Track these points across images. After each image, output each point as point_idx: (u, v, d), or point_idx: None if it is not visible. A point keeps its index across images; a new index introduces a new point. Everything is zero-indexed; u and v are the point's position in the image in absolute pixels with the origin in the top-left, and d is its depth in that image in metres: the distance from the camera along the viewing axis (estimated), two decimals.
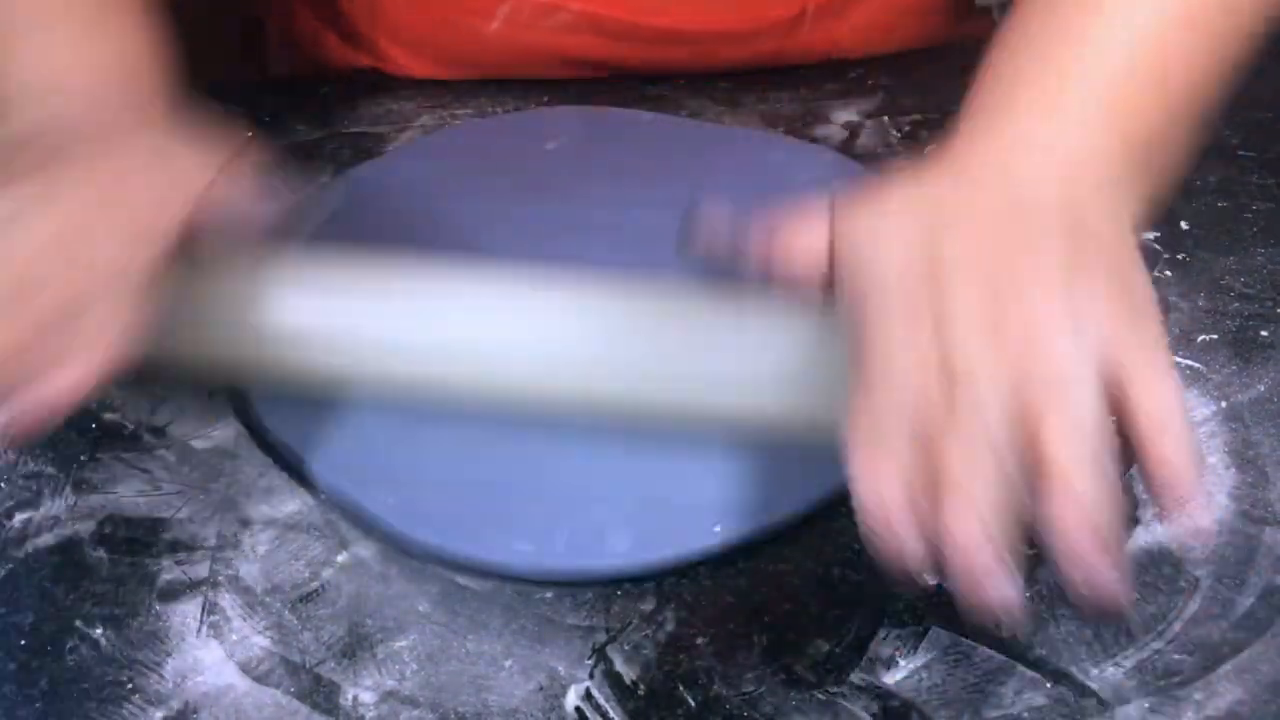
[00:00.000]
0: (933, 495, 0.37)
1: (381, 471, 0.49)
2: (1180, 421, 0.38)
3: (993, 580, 0.36)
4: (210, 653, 0.44)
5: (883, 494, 0.38)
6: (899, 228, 0.42)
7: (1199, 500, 0.38)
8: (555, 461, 0.49)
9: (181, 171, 0.47)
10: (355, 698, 0.43)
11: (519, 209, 0.61)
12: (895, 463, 0.38)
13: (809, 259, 0.45)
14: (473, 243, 0.59)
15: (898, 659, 0.44)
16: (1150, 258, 0.59)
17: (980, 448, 0.37)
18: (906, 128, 0.69)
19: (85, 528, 0.49)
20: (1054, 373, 0.38)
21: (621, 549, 0.46)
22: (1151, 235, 0.61)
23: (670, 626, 0.45)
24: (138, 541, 0.48)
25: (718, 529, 0.47)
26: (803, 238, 0.45)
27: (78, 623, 0.45)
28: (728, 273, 0.46)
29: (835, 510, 0.49)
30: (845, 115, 0.69)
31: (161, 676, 0.44)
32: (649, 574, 0.47)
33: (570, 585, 0.46)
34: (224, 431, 0.52)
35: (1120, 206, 0.44)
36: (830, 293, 0.44)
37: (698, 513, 0.47)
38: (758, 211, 0.46)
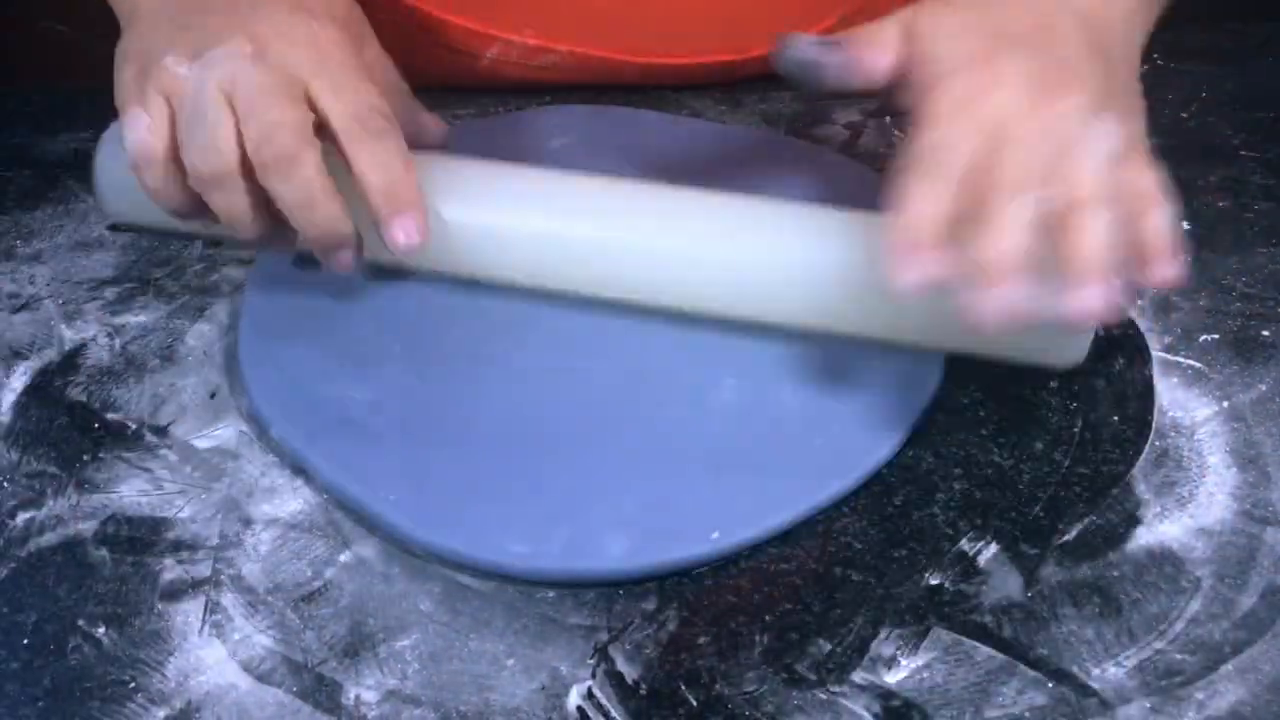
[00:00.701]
0: (969, 231, 0.44)
1: (383, 468, 0.49)
2: (1160, 204, 0.45)
3: (1010, 293, 0.43)
4: (212, 652, 0.44)
5: (924, 215, 0.44)
6: (963, 28, 0.48)
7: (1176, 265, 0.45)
8: (556, 463, 0.49)
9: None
10: (357, 697, 0.43)
11: None
12: (943, 191, 0.44)
13: (885, 56, 0.49)
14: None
15: (899, 658, 0.44)
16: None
17: (1019, 197, 0.44)
18: (909, 127, 0.69)
19: (88, 527, 0.49)
20: (1078, 173, 0.44)
21: (617, 553, 0.46)
22: None
23: (672, 626, 0.45)
24: (140, 541, 0.48)
25: (715, 535, 0.47)
26: (879, 38, 0.50)
27: (80, 622, 0.45)
28: (815, 77, 0.50)
29: (836, 512, 0.49)
30: (847, 115, 0.69)
31: (164, 676, 0.44)
32: (645, 578, 0.47)
33: (571, 586, 0.47)
34: (226, 431, 0.52)
35: (1133, 35, 0.51)
36: (898, 93, 0.49)
37: (695, 518, 0.47)
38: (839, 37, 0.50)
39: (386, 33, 0.59)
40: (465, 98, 0.71)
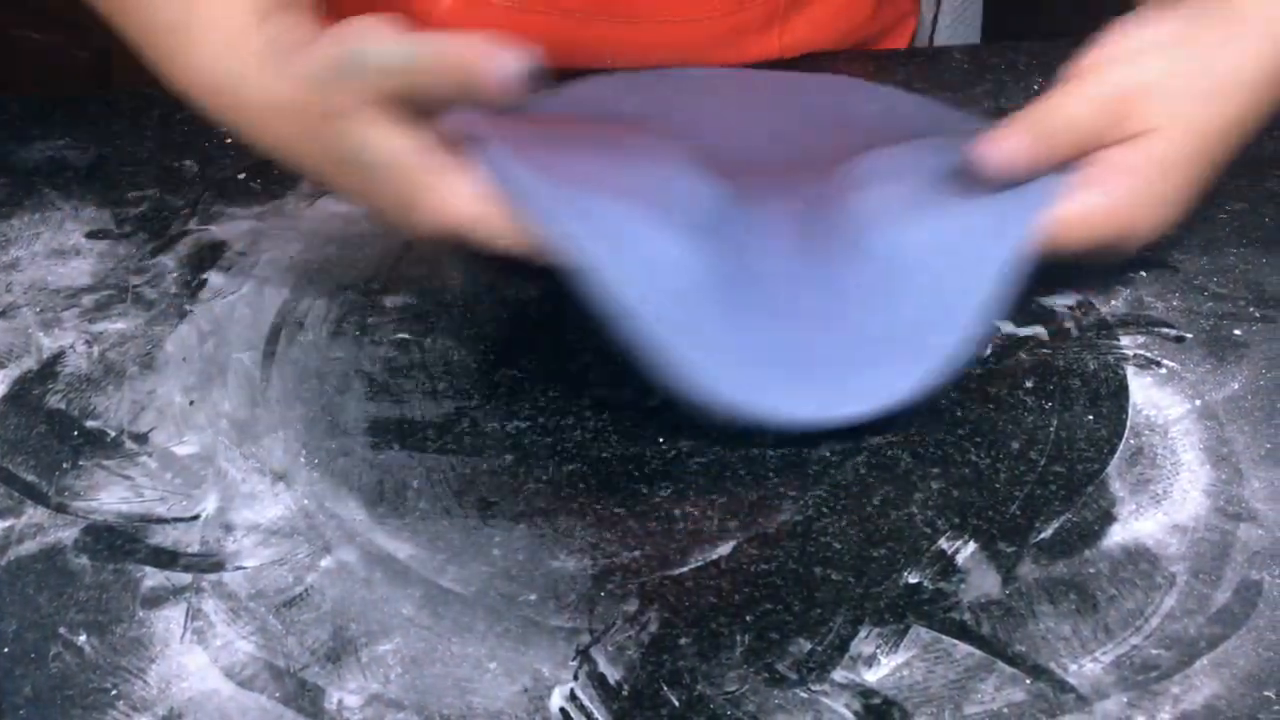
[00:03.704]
0: None
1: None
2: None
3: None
4: (194, 658, 0.44)
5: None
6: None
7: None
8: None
9: None
10: (340, 701, 0.43)
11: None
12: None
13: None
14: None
15: (879, 657, 0.44)
16: (1126, 258, 0.60)
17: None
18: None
19: (68, 535, 0.49)
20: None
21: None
22: None
23: (654, 627, 0.45)
24: (121, 548, 0.48)
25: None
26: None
27: (61, 630, 0.45)
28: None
29: (820, 510, 0.49)
30: None
31: (146, 683, 0.44)
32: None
33: (553, 586, 0.47)
34: (206, 438, 0.52)
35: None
36: None
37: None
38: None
39: None
40: None
